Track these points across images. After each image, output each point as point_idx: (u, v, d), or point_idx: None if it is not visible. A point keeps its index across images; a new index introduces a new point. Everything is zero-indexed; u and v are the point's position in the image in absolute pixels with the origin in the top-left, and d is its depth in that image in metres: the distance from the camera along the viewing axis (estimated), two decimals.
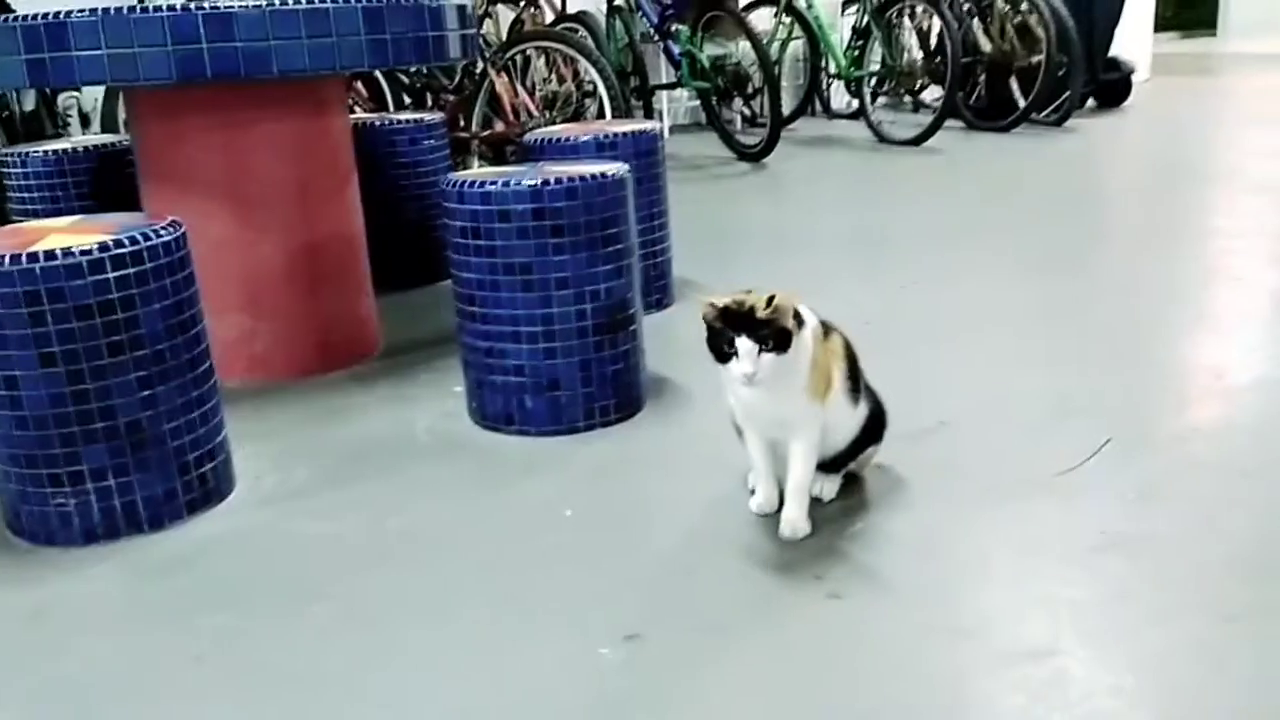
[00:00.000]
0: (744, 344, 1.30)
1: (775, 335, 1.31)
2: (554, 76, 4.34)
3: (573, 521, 1.54)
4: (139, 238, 1.50)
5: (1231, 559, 1.33)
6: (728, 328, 1.31)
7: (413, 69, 4.14)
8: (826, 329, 1.45)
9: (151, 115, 2.11)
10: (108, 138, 2.74)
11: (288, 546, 1.52)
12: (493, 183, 1.76)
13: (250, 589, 1.40)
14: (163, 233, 1.53)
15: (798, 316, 1.35)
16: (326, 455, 1.82)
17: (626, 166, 1.88)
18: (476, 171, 1.92)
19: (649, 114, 5.26)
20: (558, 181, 1.76)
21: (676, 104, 6.24)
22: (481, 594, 1.36)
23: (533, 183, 1.75)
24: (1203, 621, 1.21)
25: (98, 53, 1.84)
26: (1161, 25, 9.03)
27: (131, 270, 1.48)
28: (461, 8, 2.18)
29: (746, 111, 5.47)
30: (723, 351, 1.33)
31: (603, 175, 1.80)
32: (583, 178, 1.78)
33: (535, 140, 2.46)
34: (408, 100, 4.15)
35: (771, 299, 1.31)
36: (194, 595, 1.39)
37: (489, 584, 1.39)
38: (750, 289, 1.34)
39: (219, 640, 1.29)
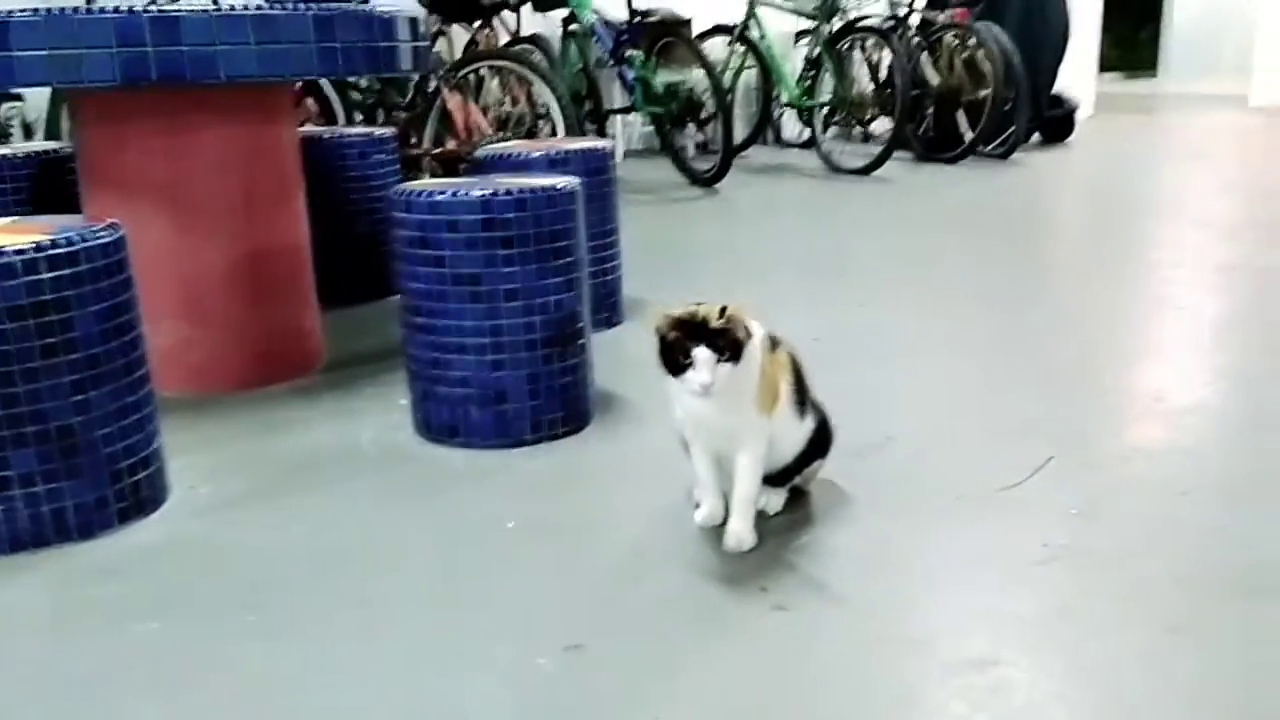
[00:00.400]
0: (702, 354, 1.29)
1: (730, 345, 1.30)
2: (508, 97, 4.33)
3: (515, 533, 1.51)
4: (76, 238, 1.46)
5: (1171, 573, 1.34)
6: (684, 338, 1.30)
7: (364, 84, 4.11)
8: (774, 342, 1.45)
9: (95, 119, 2.07)
10: (50, 145, 2.68)
11: (221, 557, 1.48)
12: (441, 192, 1.75)
13: (182, 599, 1.37)
14: (101, 234, 1.50)
15: (746, 328, 1.35)
16: (265, 466, 1.78)
17: (577, 180, 1.88)
18: (426, 182, 1.90)
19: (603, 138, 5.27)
20: (507, 192, 1.75)
21: (630, 129, 6.26)
22: (419, 605, 1.34)
23: (482, 193, 1.74)
24: (1144, 633, 1.21)
25: (40, 53, 1.80)
26: (1105, 66, 9.26)
27: (67, 271, 1.44)
28: (413, 20, 2.16)
29: (699, 138, 5.51)
30: (678, 363, 1.31)
31: (553, 187, 1.79)
32: (532, 189, 1.77)
33: (487, 155, 2.45)
34: (359, 116, 4.12)
35: (724, 309, 1.30)
36: (124, 605, 1.35)
37: (427, 595, 1.36)
38: (700, 301, 1.34)
39: (149, 650, 1.25)
